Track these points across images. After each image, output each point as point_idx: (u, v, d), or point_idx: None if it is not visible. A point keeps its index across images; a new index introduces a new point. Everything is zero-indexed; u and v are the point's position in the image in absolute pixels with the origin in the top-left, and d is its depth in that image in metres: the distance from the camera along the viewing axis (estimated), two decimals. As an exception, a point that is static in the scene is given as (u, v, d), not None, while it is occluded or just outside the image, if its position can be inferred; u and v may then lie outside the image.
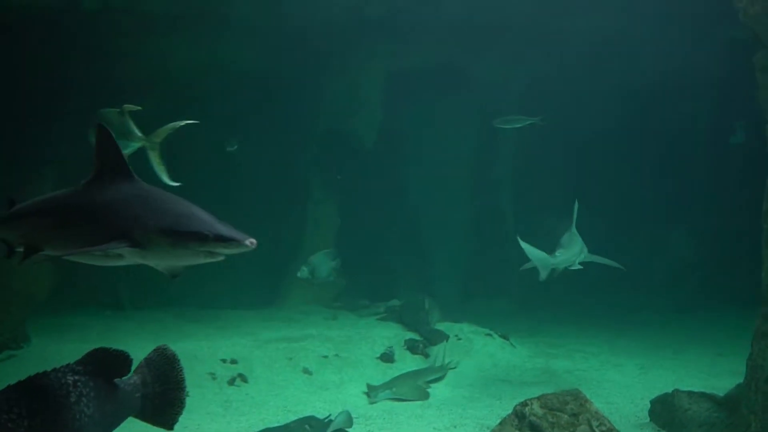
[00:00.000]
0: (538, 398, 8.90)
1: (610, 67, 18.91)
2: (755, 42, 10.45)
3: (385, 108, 20.08)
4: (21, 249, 5.71)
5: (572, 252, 12.73)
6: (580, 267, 12.98)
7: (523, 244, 12.39)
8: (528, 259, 12.60)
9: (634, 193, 21.05)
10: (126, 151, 7.98)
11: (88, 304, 17.08)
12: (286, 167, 19.80)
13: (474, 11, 17.02)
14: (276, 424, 11.25)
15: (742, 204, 12.48)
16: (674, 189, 21.25)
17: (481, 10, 16.95)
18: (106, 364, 4.56)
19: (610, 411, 11.66)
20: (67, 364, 4.42)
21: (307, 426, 10.95)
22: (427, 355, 14.98)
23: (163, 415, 4.99)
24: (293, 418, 11.60)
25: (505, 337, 16.20)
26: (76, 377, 4.36)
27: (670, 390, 11.45)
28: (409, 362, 14.62)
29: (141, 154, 8.38)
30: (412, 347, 15.10)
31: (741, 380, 10.58)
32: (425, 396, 13.04)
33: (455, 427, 11.57)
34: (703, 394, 11.12)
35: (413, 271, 20.63)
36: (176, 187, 8.04)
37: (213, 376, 13.09)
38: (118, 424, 4.65)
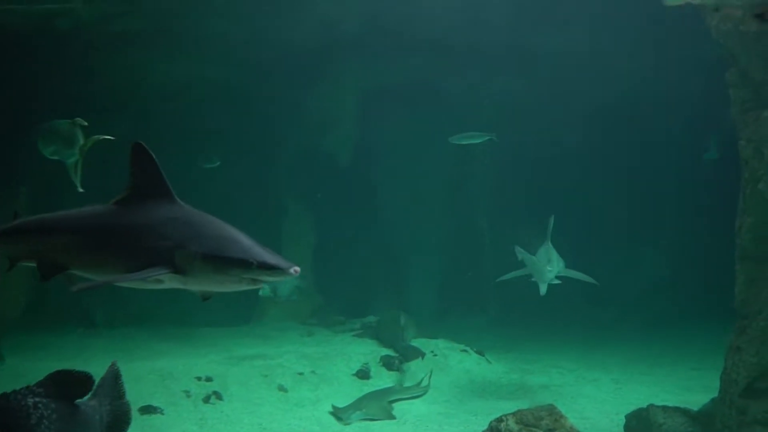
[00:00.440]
0: (514, 414, 8.90)
1: (582, 85, 19.01)
2: (727, 59, 10.57)
3: (360, 125, 20.12)
4: (30, 264, 5.50)
5: (557, 264, 12.87)
6: (558, 281, 13.05)
7: (522, 254, 12.47)
8: (505, 271, 12.67)
9: (608, 209, 21.13)
10: (72, 160, 9.07)
11: (61, 323, 16.94)
12: (262, 184, 19.77)
13: (448, 29, 17.09)
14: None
15: (716, 220, 12.58)
16: (648, 205, 21.36)
17: (455, 28, 17.03)
18: (67, 386, 4.48)
19: (585, 426, 11.66)
20: (27, 386, 4.33)
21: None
22: (402, 371, 14.95)
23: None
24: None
25: (480, 353, 16.21)
26: (37, 399, 4.28)
27: (644, 405, 11.49)
28: (385, 378, 14.61)
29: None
30: (388, 363, 15.08)
31: (715, 395, 10.66)
32: (393, 416, 12.96)
33: (431, 443, 11.57)
34: (677, 409, 11.18)
35: (389, 287, 20.61)
36: (81, 193, 8.94)
37: (188, 393, 13.02)
38: None
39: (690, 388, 14.23)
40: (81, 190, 9.02)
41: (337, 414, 12.85)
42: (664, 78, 18.53)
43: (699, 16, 10.60)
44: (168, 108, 18.18)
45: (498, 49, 17.82)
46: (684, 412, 11.13)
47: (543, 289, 12.75)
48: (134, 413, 5.02)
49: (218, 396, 13.15)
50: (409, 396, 14.02)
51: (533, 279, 13.09)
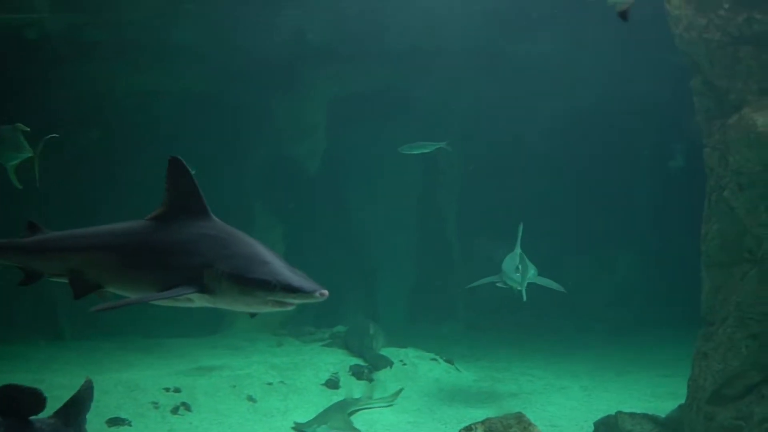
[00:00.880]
0: (482, 422, 8.89)
1: (552, 91, 19.12)
2: (692, 67, 10.66)
3: (329, 133, 20.10)
4: (62, 280, 5.38)
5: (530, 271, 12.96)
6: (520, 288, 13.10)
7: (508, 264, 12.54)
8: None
9: (577, 217, 21.21)
10: (13, 163, 9.61)
11: (28, 335, 16.77)
12: (230, 193, 19.67)
13: (416, 36, 17.15)
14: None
15: (684, 226, 12.67)
16: (617, 212, 21.45)
17: (423, 35, 17.09)
18: (17, 401, 4.39)
19: (554, 434, 11.73)
20: None
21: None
22: (372, 381, 14.92)
23: None
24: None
25: (450, 361, 16.22)
26: None
27: (613, 412, 11.55)
28: (354, 388, 14.56)
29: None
30: (357, 373, 15.05)
31: (683, 401, 10.73)
32: (356, 429, 12.88)
33: (401, 453, 11.55)
34: (645, 416, 11.25)
35: (358, 296, 20.56)
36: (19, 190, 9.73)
37: (156, 405, 12.92)
38: None
39: (658, 395, 14.31)
40: (20, 187, 9.75)
41: (300, 429, 12.70)
42: (634, 84, 18.65)
43: (666, 23, 10.69)
44: (136, 118, 18.10)
45: (467, 55, 17.90)
46: (652, 418, 11.20)
47: (522, 294, 12.82)
48: (101, 426, 4.95)
49: (186, 407, 13.07)
50: (376, 405, 13.97)
51: (500, 285, 13.15)
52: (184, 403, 13.11)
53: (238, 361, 15.31)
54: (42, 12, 15.17)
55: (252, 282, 4.68)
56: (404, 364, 15.66)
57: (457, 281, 20.09)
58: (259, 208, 19.96)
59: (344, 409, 13.43)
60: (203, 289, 4.78)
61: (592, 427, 11.73)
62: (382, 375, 15.07)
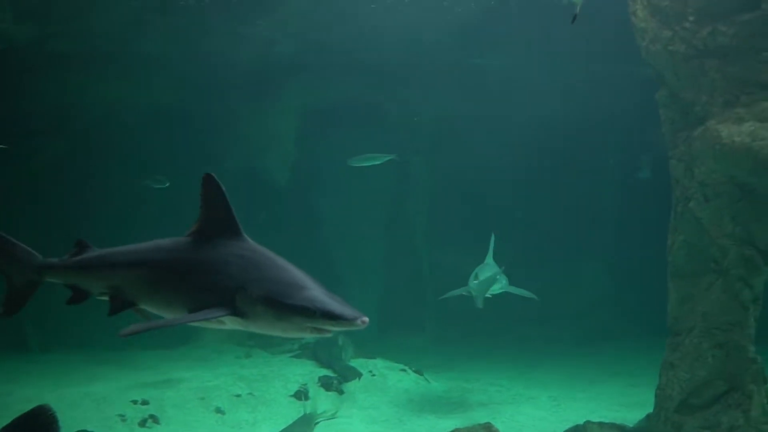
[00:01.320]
0: (451, 433, 8.93)
1: (521, 104, 19.21)
2: (658, 79, 10.77)
3: (298, 144, 20.09)
4: (105, 298, 5.33)
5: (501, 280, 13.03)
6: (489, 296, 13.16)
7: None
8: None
9: (546, 227, 21.32)
10: None
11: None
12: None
13: (386, 49, 17.19)
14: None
15: (651, 237, 12.76)
16: (585, 223, 21.60)
17: (393, 48, 17.14)
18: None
19: (523, 444, 11.76)
20: None
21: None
22: (341, 392, 14.88)
23: None
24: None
25: (419, 372, 16.24)
26: None
27: (581, 421, 11.60)
28: (323, 399, 14.52)
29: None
30: (326, 384, 15.01)
31: (651, 410, 10.80)
32: None
33: (370, 464, 11.53)
34: (613, 425, 11.32)
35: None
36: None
37: (123, 418, 12.82)
38: None
39: (627, 405, 14.36)
40: None
41: None
42: (602, 97, 18.80)
43: (632, 35, 10.80)
44: (104, 129, 17.99)
45: (437, 69, 17.98)
46: (620, 428, 11.27)
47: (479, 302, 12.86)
48: (68, 439, 4.88)
49: (155, 419, 12.98)
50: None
51: (467, 295, 13.20)
52: (152, 416, 13.02)
53: (207, 372, 15.22)
54: (6, 22, 15.04)
55: (290, 308, 4.55)
56: (373, 375, 15.65)
57: (426, 292, 20.15)
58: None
59: (308, 423, 13.31)
60: (235, 312, 4.66)
61: (561, 437, 11.79)
62: (351, 386, 15.05)
